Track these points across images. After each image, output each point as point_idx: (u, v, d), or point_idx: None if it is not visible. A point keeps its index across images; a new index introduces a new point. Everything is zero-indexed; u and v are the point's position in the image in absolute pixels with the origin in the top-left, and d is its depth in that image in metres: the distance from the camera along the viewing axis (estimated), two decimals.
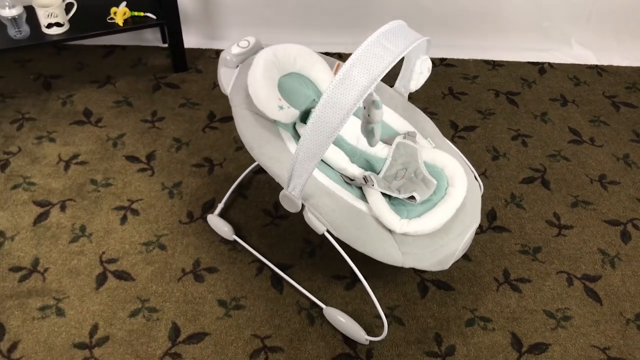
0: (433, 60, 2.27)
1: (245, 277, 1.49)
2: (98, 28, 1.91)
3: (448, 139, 1.90)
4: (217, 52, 2.22)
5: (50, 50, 2.18)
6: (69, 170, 1.73)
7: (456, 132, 1.95)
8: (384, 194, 1.30)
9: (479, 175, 1.79)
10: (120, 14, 1.91)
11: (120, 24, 1.91)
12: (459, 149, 1.87)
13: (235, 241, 1.57)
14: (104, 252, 1.53)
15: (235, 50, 1.42)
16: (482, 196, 1.73)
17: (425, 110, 2.01)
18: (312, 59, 1.43)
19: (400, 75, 1.44)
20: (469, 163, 1.42)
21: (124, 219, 1.61)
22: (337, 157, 1.38)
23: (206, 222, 1.61)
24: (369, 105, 1.17)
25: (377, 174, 1.39)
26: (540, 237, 1.64)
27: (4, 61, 2.11)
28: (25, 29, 1.83)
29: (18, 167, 1.73)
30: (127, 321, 1.39)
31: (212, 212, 1.63)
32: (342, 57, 2.23)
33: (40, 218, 1.60)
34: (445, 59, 2.28)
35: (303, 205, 1.23)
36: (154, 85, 2.06)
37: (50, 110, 1.93)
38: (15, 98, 1.97)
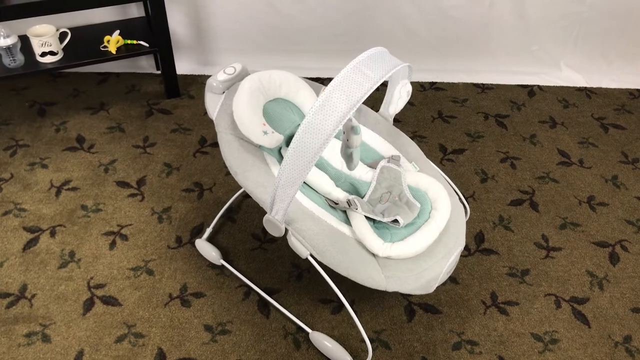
0: (423, 84, 2.30)
1: (232, 302, 1.50)
2: (91, 56, 1.95)
3: (437, 162, 1.93)
4: None
5: (46, 78, 2.22)
6: (60, 196, 1.75)
7: (445, 155, 1.97)
8: (368, 218, 1.31)
9: (467, 198, 1.80)
10: (113, 42, 1.95)
11: (113, 52, 1.95)
12: (447, 171, 1.90)
13: (223, 266, 1.57)
14: (92, 278, 1.54)
15: (222, 76, 1.45)
16: (470, 218, 1.75)
17: (414, 134, 2.03)
18: (297, 84, 1.46)
19: (384, 100, 1.46)
20: (453, 185, 1.43)
21: (112, 244, 1.62)
22: (322, 181, 1.39)
23: (194, 246, 1.62)
24: (348, 131, 1.18)
25: (362, 197, 1.40)
26: (529, 260, 1.64)
27: (0, 89, 2.15)
28: (20, 58, 1.87)
29: (10, 193, 1.75)
30: (112, 347, 1.39)
31: (200, 237, 1.64)
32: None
33: (29, 244, 1.61)
34: (435, 82, 2.31)
35: (287, 229, 1.24)
36: (147, 111, 2.09)
37: (44, 137, 1.95)
38: (10, 125, 2.00)
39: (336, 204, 1.36)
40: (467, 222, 1.64)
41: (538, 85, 2.33)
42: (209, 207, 1.75)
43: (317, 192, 1.39)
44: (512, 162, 1.96)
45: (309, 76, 2.29)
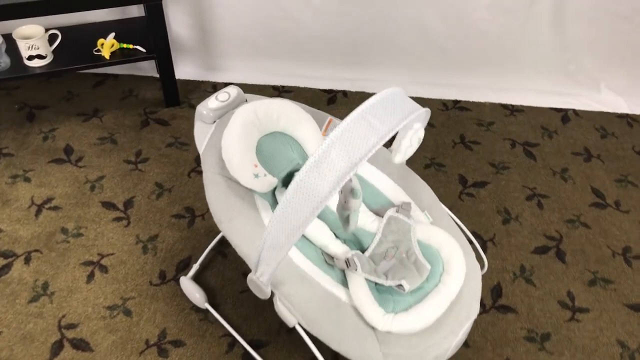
0: (445, 102, 2.10)
1: (213, 355, 1.35)
2: (83, 61, 1.79)
3: (455, 196, 1.74)
4: (214, 86, 2.09)
5: (39, 78, 2.07)
6: (40, 215, 1.61)
7: (464, 188, 1.78)
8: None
9: (486, 242, 1.62)
10: (107, 46, 1.79)
11: (107, 57, 1.78)
12: (466, 208, 1.71)
13: (207, 310, 1.42)
14: (64, 316, 1.40)
15: (213, 104, 1.28)
16: (488, 268, 1.57)
17: (432, 161, 1.84)
18: (298, 116, 1.27)
19: (392, 145, 1.28)
20: (471, 236, 1.24)
21: (90, 277, 1.48)
22: (319, 231, 1.22)
23: (179, 284, 1.47)
24: (347, 192, 1.01)
25: (365, 250, 1.23)
26: (551, 322, 1.45)
27: None
28: (6, 60, 1.72)
29: None
30: None
31: (186, 274, 1.48)
32: (347, 95, 2.08)
33: (1, 271, 1.48)
34: (459, 101, 2.11)
35: (273, 292, 1.08)
36: (143, 121, 1.93)
37: (30, 146, 1.81)
38: None
39: (333, 259, 1.19)
40: (484, 273, 1.46)
41: (573, 110, 2.10)
42: (199, 238, 1.59)
43: (313, 243, 1.22)
44: (539, 200, 1.76)
45: (321, 87, 2.11)
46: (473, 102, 2.11)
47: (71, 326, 1.38)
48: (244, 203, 1.17)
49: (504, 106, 2.10)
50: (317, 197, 0.84)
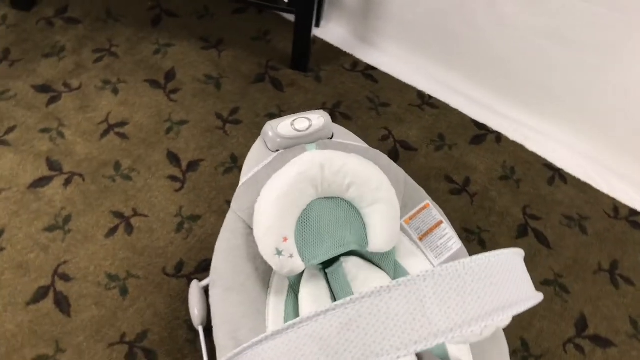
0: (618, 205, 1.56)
1: None
2: None
3: (559, 342, 1.28)
4: (355, 64, 1.74)
5: None
6: (105, 138, 1.48)
7: (577, 336, 1.32)
8: None
9: None
10: None
11: None
12: None
13: (198, 332, 1.21)
14: (65, 262, 1.27)
15: (284, 129, 0.98)
16: None
17: (556, 279, 1.38)
18: (376, 193, 0.93)
19: None
20: None
21: (112, 232, 1.33)
22: None
23: (189, 285, 1.27)
24: None
25: None
26: None
27: None
28: None
29: (63, 107, 1.52)
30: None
31: (201, 279, 1.27)
32: (501, 141, 1.63)
33: (39, 183, 1.38)
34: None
35: None
36: (259, 74, 1.67)
37: (138, 54, 1.66)
38: (118, 23, 1.73)
39: None
40: None
41: None
42: None
43: None
44: None
45: (473, 116, 1.68)
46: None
47: (65, 277, 1.26)
48: (254, 274, 0.90)
49: None
50: None
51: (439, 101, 1.69)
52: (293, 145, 0.98)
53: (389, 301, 0.53)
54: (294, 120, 0.98)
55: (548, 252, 1.44)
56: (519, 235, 1.46)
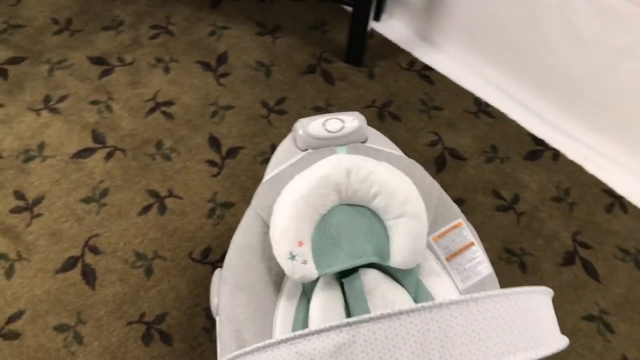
0: None
1: None
2: None
3: None
4: (412, 62, 1.67)
5: None
6: (150, 116, 1.49)
7: None
8: None
9: None
10: None
11: None
12: None
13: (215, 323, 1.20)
14: (97, 235, 1.29)
15: (315, 128, 0.94)
16: None
17: (603, 315, 1.27)
18: (402, 207, 0.87)
19: None
20: None
21: (145, 211, 1.34)
22: None
23: (213, 273, 1.26)
24: None
25: None
26: None
27: None
28: None
29: (115, 81, 1.54)
30: (46, 332, 1.17)
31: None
32: (558, 158, 1.52)
33: (83, 154, 1.41)
34: None
35: None
36: (311, 65, 1.63)
37: (193, 34, 1.66)
38: (178, 1, 1.73)
39: None
40: None
41: None
42: None
43: None
44: None
45: (531, 129, 1.57)
46: None
47: (95, 250, 1.28)
48: (267, 275, 0.87)
49: None
50: None
51: (496, 110, 1.59)
52: (323, 146, 0.94)
53: (388, 330, 0.49)
54: (326, 120, 0.94)
55: (596, 285, 1.33)
56: (564, 263, 1.35)
